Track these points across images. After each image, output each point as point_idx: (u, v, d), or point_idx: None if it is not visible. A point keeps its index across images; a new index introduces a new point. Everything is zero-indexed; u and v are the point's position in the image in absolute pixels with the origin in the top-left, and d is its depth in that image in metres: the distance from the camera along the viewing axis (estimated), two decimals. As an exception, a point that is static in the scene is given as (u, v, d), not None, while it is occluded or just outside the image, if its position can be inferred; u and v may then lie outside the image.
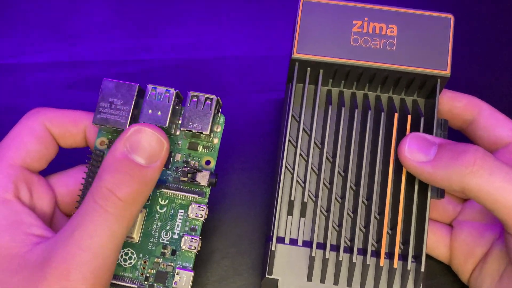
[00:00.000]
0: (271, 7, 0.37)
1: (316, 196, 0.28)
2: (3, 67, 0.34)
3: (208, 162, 0.26)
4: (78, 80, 0.34)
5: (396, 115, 0.28)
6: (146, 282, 0.25)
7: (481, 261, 0.28)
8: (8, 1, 0.36)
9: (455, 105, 0.29)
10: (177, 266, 0.25)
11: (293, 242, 0.27)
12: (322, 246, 0.27)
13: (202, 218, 0.25)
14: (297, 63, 0.28)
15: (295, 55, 0.27)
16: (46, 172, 0.28)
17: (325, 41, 0.27)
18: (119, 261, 0.25)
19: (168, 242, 0.25)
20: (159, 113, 0.25)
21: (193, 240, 0.25)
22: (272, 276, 0.27)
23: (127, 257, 0.25)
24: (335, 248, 0.27)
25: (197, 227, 0.25)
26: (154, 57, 0.35)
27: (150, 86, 0.25)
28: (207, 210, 0.25)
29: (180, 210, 0.26)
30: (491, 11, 0.37)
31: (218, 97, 0.25)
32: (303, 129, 0.29)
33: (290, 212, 0.28)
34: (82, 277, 0.21)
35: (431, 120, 0.27)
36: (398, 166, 0.27)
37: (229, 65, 0.35)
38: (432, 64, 0.27)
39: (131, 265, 0.25)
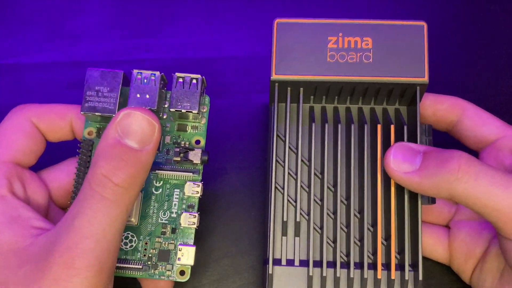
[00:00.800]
0: (271, 7, 0.37)
1: (308, 214, 0.28)
2: (3, 67, 0.34)
3: (198, 142, 0.27)
4: (78, 80, 0.34)
5: (379, 126, 0.28)
6: (149, 262, 0.26)
7: (481, 260, 0.28)
8: (8, 1, 0.36)
9: (438, 107, 0.30)
10: (179, 243, 0.26)
11: (290, 262, 0.27)
12: (319, 264, 0.27)
13: (198, 195, 0.26)
14: (276, 84, 0.28)
15: (274, 76, 0.27)
16: (35, 168, 0.28)
17: (302, 59, 0.27)
18: (121, 245, 0.26)
19: (167, 221, 0.26)
20: (147, 96, 0.26)
21: (192, 216, 0.26)
22: (272, 299, 0.27)
23: (127, 241, 0.26)
24: (332, 264, 0.27)
25: (194, 204, 0.26)
26: (154, 57, 0.35)
27: (135, 71, 0.26)
28: (202, 186, 0.26)
29: (175, 190, 0.26)
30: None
31: (203, 77, 0.26)
32: (289, 147, 0.29)
33: (284, 233, 0.28)
34: (87, 264, 0.21)
35: (415, 127, 0.27)
36: (386, 176, 0.27)
37: (229, 65, 0.35)
38: (409, 73, 0.27)
39: (132, 248, 0.26)
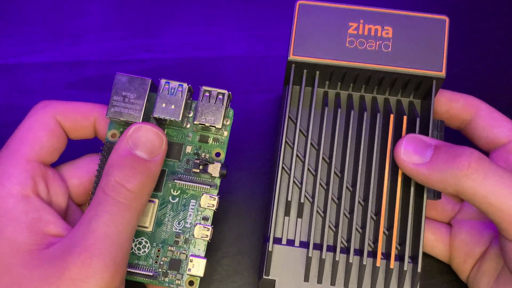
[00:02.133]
0: (271, 7, 0.37)
1: (313, 197, 0.28)
2: (3, 67, 0.34)
3: (218, 154, 0.27)
4: (78, 80, 0.34)
5: (392, 116, 0.28)
6: (160, 270, 0.26)
7: (479, 260, 0.28)
8: (9, 1, 0.36)
9: (453, 105, 0.29)
10: (190, 253, 0.26)
11: (290, 242, 0.28)
12: (318, 246, 0.27)
13: (214, 208, 0.26)
14: (293, 65, 0.28)
15: (291, 57, 0.27)
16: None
17: (321, 43, 0.27)
18: (133, 250, 0.26)
19: (181, 231, 0.26)
20: (173, 106, 0.26)
21: (205, 229, 0.26)
22: (269, 277, 0.27)
23: (141, 246, 0.26)
24: (332, 248, 0.27)
25: (208, 216, 0.26)
26: (154, 57, 0.35)
27: (163, 81, 0.26)
28: (218, 200, 0.26)
29: (192, 200, 0.27)
30: (487, 10, 0.37)
31: (230, 92, 0.26)
32: (300, 130, 0.29)
33: (287, 213, 0.28)
34: (104, 264, 0.22)
35: (427, 121, 0.27)
36: (394, 167, 0.27)
37: (229, 65, 0.35)
38: (427, 66, 0.27)
39: (145, 254, 0.26)
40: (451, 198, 0.31)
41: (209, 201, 0.26)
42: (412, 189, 0.27)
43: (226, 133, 0.27)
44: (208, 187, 0.26)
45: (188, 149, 0.27)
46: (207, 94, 0.26)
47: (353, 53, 0.27)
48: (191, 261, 0.26)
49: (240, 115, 0.33)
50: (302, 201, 0.27)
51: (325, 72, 0.28)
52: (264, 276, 0.27)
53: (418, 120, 0.27)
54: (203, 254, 0.26)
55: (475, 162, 0.24)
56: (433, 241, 0.30)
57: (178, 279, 0.26)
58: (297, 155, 0.28)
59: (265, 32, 0.36)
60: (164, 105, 0.26)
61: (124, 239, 0.23)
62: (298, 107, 0.28)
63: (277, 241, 0.28)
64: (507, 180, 0.24)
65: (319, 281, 0.27)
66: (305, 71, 0.28)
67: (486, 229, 0.29)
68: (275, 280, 0.27)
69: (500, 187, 0.24)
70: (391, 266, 0.26)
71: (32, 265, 0.22)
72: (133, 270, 0.26)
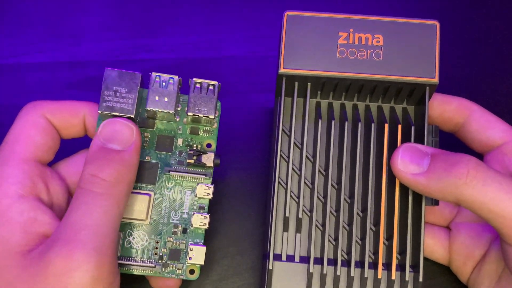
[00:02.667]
0: (271, 7, 0.37)
1: (311, 210, 0.27)
2: (3, 67, 0.34)
3: (209, 145, 0.28)
4: (78, 80, 0.34)
5: (386, 126, 0.28)
6: (160, 261, 0.26)
7: (479, 262, 0.28)
8: (8, 1, 0.36)
9: (446, 108, 0.29)
10: (190, 243, 0.27)
11: (290, 258, 0.27)
12: (319, 261, 0.27)
13: (210, 196, 0.27)
14: (284, 78, 0.27)
15: (281, 70, 0.27)
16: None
17: (311, 54, 0.27)
18: (132, 243, 0.26)
19: (178, 222, 0.27)
20: (166, 99, 0.26)
21: (203, 217, 0.26)
22: (271, 294, 0.27)
23: (139, 239, 0.27)
24: (333, 262, 0.27)
25: (205, 205, 0.27)
26: (154, 57, 0.35)
27: (154, 74, 0.26)
28: (213, 188, 0.27)
29: (187, 191, 0.27)
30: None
31: (219, 83, 0.27)
32: (294, 143, 0.28)
33: (285, 228, 0.28)
34: (86, 255, 0.22)
35: (422, 127, 0.27)
36: (391, 176, 0.27)
37: (229, 65, 0.35)
38: (420, 72, 0.27)
39: (143, 247, 0.27)
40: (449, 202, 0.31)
41: (204, 190, 0.27)
42: (410, 197, 0.27)
43: (215, 125, 0.28)
44: (203, 176, 0.27)
45: (180, 141, 0.27)
46: (198, 85, 0.26)
47: (344, 63, 0.27)
48: (191, 250, 0.26)
49: (240, 115, 0.33)
50: (300, 216, 0.27)
51: (317, 83, 0.28)
52: (265, 294, 0.27)
53: (412, 128, 0.27)
54: (202, 242, 0.27)
55: (474, 169, 0.24)
56: (433, 245, 0.30)
57: (179, 269, 0.26)
58: (292, 169, 0.28)
59: (265, 32, 0.36)
60: (157, 98, 0.26)
61: (106, 228, 0.23)
62: (291, 119, 0.28)
63: (277, 257, 0.27)
64: (506, 186, 0.24)
65: (321, 295, 0.27)
66: (296, 83, 0.28)
67: (485, 231, 0.29)
68: (276, 297, 0.27)
69: (500, 193, 0.23)
70: (393, 278, 0.26)
71: (23, 266, 0.22)
72: (133, 263, 0.26)
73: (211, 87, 0.26)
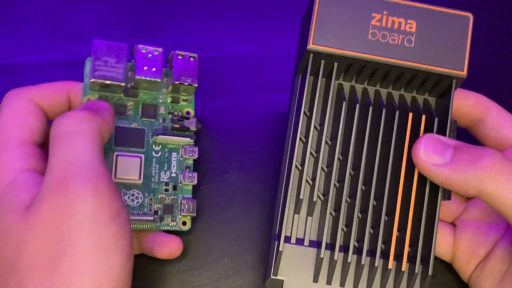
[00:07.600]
0: (271, 7, 0.36)
1: (325, 194, 0.27)
2: (3, 67, 0.34)
3: (188, 113, 0.30)
4: (78, 80, 0.34)
5: (410, 115, 0.27)
6: (156, 215, 0.28)
7: (483, 261, 0.28)
8: (8, 1, 0.35)
9: (463, 103, 0.29)
10: (180, 198, 0.29)
11: (299, 241, 0.26)
12: (329, 246, 0.26)
13: (194, 157, 0.29)
14: (311, 54, 0.26)
15: (310, 46, 0.26)
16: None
17: (342, 33, 0.26)
18: (127, 202, 0.28)
19: (168, 180, 0.29)
20: (154, 69, 0.28)
21: (190, 175, 0.29)
22: (278, 277, 0.26)
23: (134, 198, 0.28)
24: (342, 249, 0.26)
25: (190, 164, 0.30)
26: None
27: (140, 46, 0.28)
28: (197, 150, 0.29)
29: (173, 153, 0.29)
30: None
31: (198, 56, 0.29)
32: (314, 125, 0.27)
33: (297, 211, 0.27)
34: (80, 186, 0.21)
35: (444, 120, 0.27)
36: (410, 166, 0.27)
37: (229, 65, 0.35)
38: (448, 64, 0.26)
39: (139, 204, 0.28)
40: (457, 197, 0.30)
41: (189, 152, 0.29)
42: (427, 189, 0.26)
43: (193, 95, 0.30)
44: (188, 139, 0.29)
45: (162, 109, 0.29)
46: (180, 57, 0.29)
47: (375, 46, 0.26)
48: (182, 203, 0.29)
49: (239, 115, 0.33)
50: (314, 199, 0.26)
51: (343, 64, 0.27)
52: (272, 276, 0.26)
53: (436, 119, 0.27)
54: (191, 196, 0.29)
55: (499, 164, 0.24)
56: (437, 241, 0.30)
57: (174, 221, 0.29)
58: (310, 152, 0.27)
59: (265, 32, 0.36)
60: (146, 68, 0.28)
61: (90, 162, 0.22)
62: (313, 100, 0.27)
63: (286, 239, 0.26)
64: None
65: (329, 282, 0.26)
66: (322, 61, 0.27)
67: (491, 230, 0.29)
68: (283, 280, 0.26)
69: None
70: (403, 269, 0.26)
71: (25, 218, 0.22)
72: (132, 218, 0.27)
73: (191, 59, 0.29)
